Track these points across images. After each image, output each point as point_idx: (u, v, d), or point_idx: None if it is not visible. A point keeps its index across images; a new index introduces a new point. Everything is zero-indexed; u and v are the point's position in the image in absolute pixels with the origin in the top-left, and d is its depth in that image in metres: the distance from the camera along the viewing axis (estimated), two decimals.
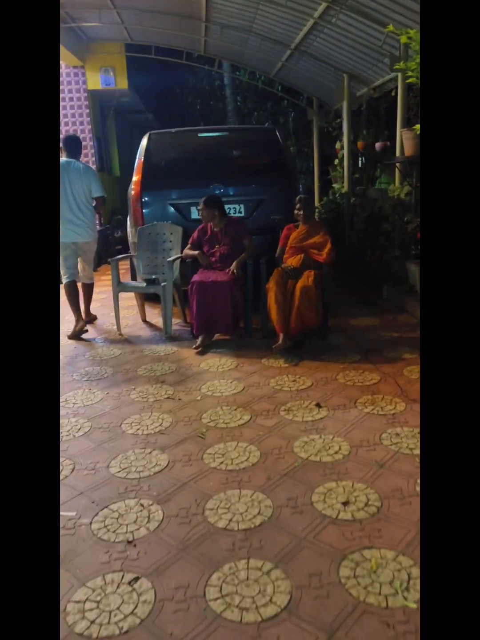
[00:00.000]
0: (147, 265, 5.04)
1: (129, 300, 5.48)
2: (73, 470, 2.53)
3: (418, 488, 2.24)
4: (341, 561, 1.85)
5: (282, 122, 12.10)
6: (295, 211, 4.43)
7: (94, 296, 5.35)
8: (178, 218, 5.19)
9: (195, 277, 4.29)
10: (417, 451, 2.53)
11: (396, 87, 6.09)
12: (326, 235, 4.34)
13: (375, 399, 3.14)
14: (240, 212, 5.18)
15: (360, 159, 8.39)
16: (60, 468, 2.54)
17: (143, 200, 5.21)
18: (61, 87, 9.36)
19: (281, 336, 3.98)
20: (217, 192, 4.99)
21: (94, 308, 5.34)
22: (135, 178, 5.26)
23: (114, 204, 10.64)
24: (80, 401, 3.32)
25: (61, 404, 3.28)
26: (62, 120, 9.50)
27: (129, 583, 1.80)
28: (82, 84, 9.37)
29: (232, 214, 5.03)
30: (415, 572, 1.78)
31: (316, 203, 8.96)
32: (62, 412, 3.17)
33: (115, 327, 4.82)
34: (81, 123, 9.57)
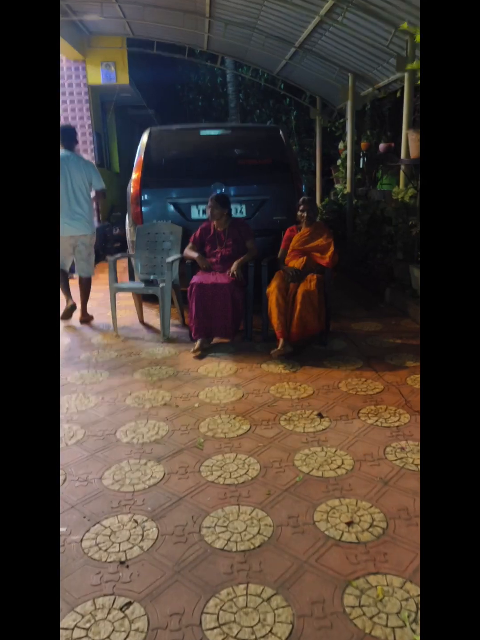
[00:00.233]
0: (145, 265, 4.92)
1: (126, 300, 5.37)
2: (65, 480, 2.43)
3: None
4: (345, 588, 1.76)
5: (284, 121, 11.98)
6: (299, 213, 4.32)
7: (91, 294, 5.23)
8: (178, 217, 5.08)
9: (195, 279, 4.18)
10: None
11: (402, 88, 5.98)
12: (330, 238, 4.24)
13: (378, 410, 3.04)
14: (241, 213, 5.07)
15: (362, 159, 8.29)
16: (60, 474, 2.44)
17: (142, 198, 5.10)
18: (61, 81, 9.24)
19: (281, 341, 3.87)
20: (218, 191, 4.88)
21: (90, 307, 5.23)
22: (134, 175, 5.15)
23: (113, 200, 10.52)
24: (74, 406, 3.21)
25: None
26: (62, 114, 9.37)
27: (121, 608, 1.70)
28: (83, 78, 9.23)
29: (233, 215, 4.92)
30: None
31: (317, 204, 8.86)
32: None
33: (111, 327, 4.71)
34: (81, 118, 9.43)
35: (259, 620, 1.63)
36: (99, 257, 8.42)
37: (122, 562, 1.89)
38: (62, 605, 1.72)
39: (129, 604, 1.71)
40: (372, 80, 7.12)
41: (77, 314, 5.13)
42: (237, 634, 1.59)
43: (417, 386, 3.34)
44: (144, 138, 5.35)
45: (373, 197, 7.16)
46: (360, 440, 2.71)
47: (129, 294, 5.21)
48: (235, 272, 4.19)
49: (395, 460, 2.51)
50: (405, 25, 3.93)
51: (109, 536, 2.04)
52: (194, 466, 2.51)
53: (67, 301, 5.03)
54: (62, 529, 2.08)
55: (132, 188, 5.12)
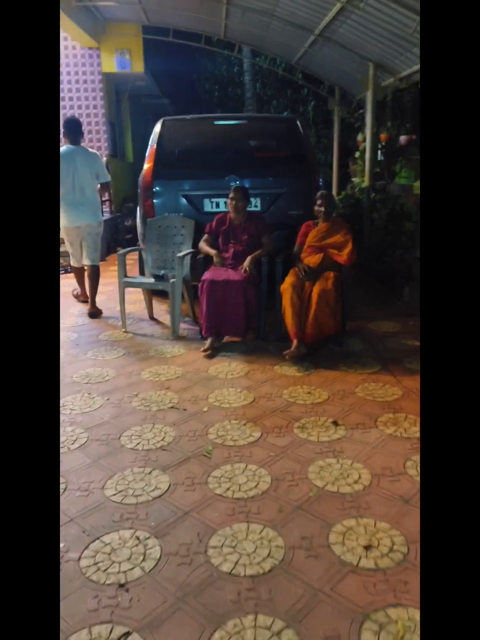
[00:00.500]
0: (156, 260, 4.78)
1: (136, 294, 5.23)
2: (65, 489, 2.30)
3: None
4: (363, 622, 1.61)
5: (301, 111, 11.73)
6: (316, 207, 4.14)
7: (100, 288, 5.14)
8: (190, 210, 4.91)
9: (206, 275, 4.03)
10: None
11: None
12: (348, 235, 4.05)
13: (397, 418, 2.88)
14: (256, 206, 4.89)
15: (379, 152, 8.04)
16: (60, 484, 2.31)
17: (154, 190, 4.94)
18: (75, 69, 9.10)
19: (295, 342, 3.71)
20: (232, 184, 4.71)
21: (99, 301, 5.11)
22: (146, 166, 4.99)
23: (125, 191, 10.39)
24: (78, 407, 3.08)
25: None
26: (76, 103, 9.24)
27: (119, 639, 1.57)
28: (97, 66, 9.08)
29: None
30: None
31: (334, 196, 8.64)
32: None
33: (120, 323, 4.58)
34: (94, 107, 9.29)
35: None
36: (111, 249, 8.32)
37: (121, 585, 1.76)
38: None
39: (127, 634, 1.58)
40: (393, 70, 6.88)
41: (86, 307, 5.07)
42: None
43: None
44: (157, 128, 5.19)
45: (392, 192, 6.94)
46: (378, 452, 2.55)
47: (139, 288, 5.08)
48: (248, 268, 4.03)
49: (417, 475, 2.34)
50: None
51: (109, 554, 1.91)
52: (201, 477, 2.37)
53: (81, 294, 5.36)
54: (60, 545, 1.95)
55: (143, 179, 4.97)
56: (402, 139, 6.94)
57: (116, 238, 8.81)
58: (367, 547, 1.91)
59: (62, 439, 2.73)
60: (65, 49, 8.99)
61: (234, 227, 4.30)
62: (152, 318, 4.85)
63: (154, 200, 4.94)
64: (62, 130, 4.89)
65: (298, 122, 5.33)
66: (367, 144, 7.08)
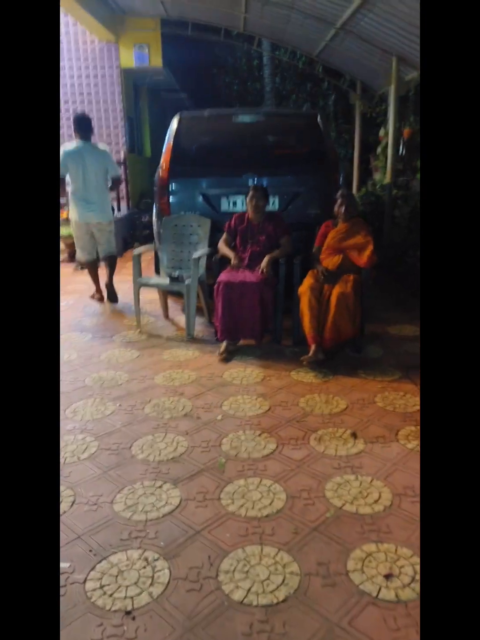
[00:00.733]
0: (171, 260, 4.69)
1: (151, 293, 5.15)
2: (73, 504, 2.23)
3: None
4: None
5: (321, 105, 11.53)
6: (336, 207, 4.00)
7: (117, 285, 5.18)
8: (207, 209, 4.80)
9: (222, 276, 3.92)
10: None
11: None
12: (368, 236, 3.91)
13: (419, 432, 2.75)
14: (274, 205, 4.76)
15: (401, 147, 7.85)
16: (60, 500, 2.25)
17: (170, 187, 4.85)
18: (93, 64, 9.04)
19: (313, 347, 3.59)
20: (250, 182, 4.60)
21: None
22: (162, 163, 4.89)
23: (143, 186, 10.32)
24: (89, 414, 3.01)
25: (69, 416, 2.99)
26: (94, 98, 9.19)
27: None
28: (115, 60, 9.01)
29: None
30: None
31: (354, 194, 8.46)
32: (68, 426, 2.88)
33: (134, 322, 4.51)
34: (112, 102, 9.23)
35: None
36: (127, 245, 8.26)
37: (127, 613, 1.68)
38: None
39: None
40: (416, 64, 6.68)
41: (102, 305, 5.14)
42: None
43: None
44: (174, 123, 5.08)
45: (414, 188, 6.76)
46: (399, 469, 2.43)
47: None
48: (265, 269, 3.92)
49: None
50: None
51: (116, 577, 1.82)
52: (214, 492, 2.28)
53: (96, 291, 5.28)
54: (65, 565, 1.88)
55: (159, 177, 4.88)
56: None
57: (134, 234, 8.75)
58: (388, 576, 1.80)
59: (72, 447, 2.66)
60: (84, 44, 8.94)
61: (251, 227, 4.19)
62: (167, 318, 4.77)
63: (170, 199, 4.85)
64: (73, 125, 4.86)
65: (318, 118, 5.18)
66: (389, 139, 6.90)
